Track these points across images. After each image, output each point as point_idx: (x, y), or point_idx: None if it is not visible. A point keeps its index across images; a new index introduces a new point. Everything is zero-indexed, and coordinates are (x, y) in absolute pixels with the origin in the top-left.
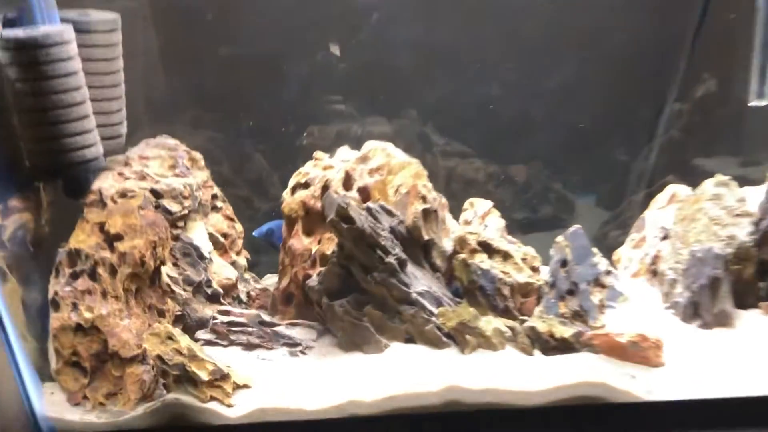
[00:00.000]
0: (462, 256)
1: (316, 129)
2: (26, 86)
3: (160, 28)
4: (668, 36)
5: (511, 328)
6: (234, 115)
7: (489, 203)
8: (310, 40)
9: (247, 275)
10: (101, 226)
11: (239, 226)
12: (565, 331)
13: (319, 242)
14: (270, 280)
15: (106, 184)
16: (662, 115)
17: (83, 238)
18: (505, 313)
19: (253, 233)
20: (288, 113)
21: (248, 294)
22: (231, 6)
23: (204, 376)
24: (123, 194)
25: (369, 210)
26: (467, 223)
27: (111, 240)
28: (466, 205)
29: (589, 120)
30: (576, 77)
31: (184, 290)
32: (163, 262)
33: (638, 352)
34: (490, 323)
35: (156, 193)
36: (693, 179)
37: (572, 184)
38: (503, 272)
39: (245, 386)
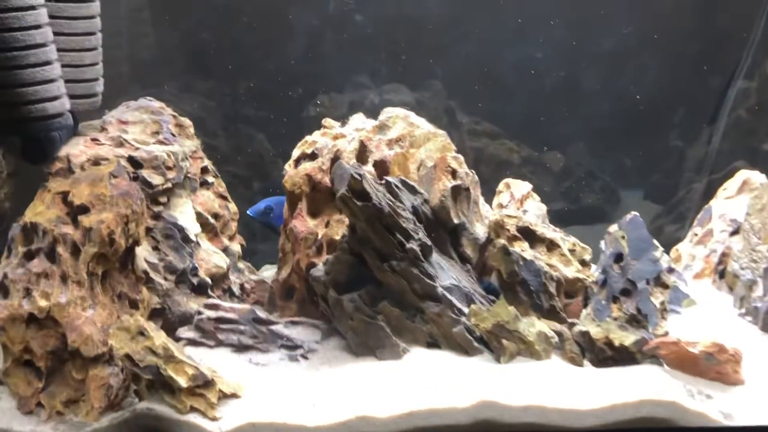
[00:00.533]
0: (501, 241)
1: (327, 98)
2: None
3: None
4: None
5: (558, 333)
6: (229, 77)
7: (527, 185)
8: None
9: (241, 264)
10: (64, 197)
11: (233, 207)
12: (626, 338)
13: (327, 225)
14: (269, 272)
15: (75, 150)
16: (727, 94)
17: (41, 210)
18: (551, 314)
19: (248, 212)
20: (294, 77)
21: (242, 286)
22: None
23: (183, 381)
24: (96, 162)
25: (388, 185)
26: (501, 207)
27: (75, 213)
28: (501, 186)
29: (638, 99)
30: (627, 46)
31: (165, 279)
32: (137, 242)
33: (713, 366)
34: (533, 326)
35: (134, 162)
36: (764, 165)
37: (617, 172)
38: (549, 265)
39: (234, 395)
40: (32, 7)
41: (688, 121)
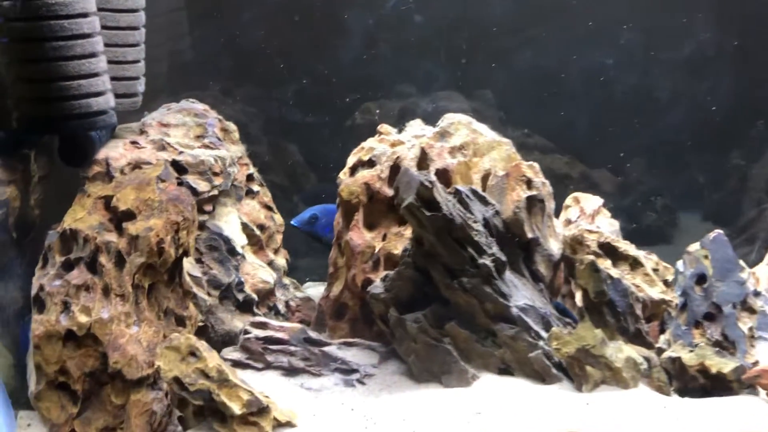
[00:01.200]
0: (590, 257)
1: (375, 105)
2: (16, 7)
3: None
4: None
5: (646, 359)
6: (275, 80)
7: (598, 200)
8: None
9: (286, 280)
10: (107, 202)
11: (279, 218)
12: (725, 365)
13: (384, 238)
14: (312, 290)
15: (115, 153)
16: None
17: (82, 216)
18: (636, 338)
19: (292, 222)
20: (344, 81)
21: (287, 304)
22: None
23: (236, 408)
24: (137, 166)
25: (458, 194)
26: (569, 223)
27: (119, 219)
28: (569, 201)
29: (702, 113)
30: (702, 54)
31: (209, 294)
32: (186, 252)
33: None
34: (621, 351)
35: (179, 167)
36: None
37: (675, 191)
38: (634, 285)
39: (288, 424)
40: None
41: (758, 138)
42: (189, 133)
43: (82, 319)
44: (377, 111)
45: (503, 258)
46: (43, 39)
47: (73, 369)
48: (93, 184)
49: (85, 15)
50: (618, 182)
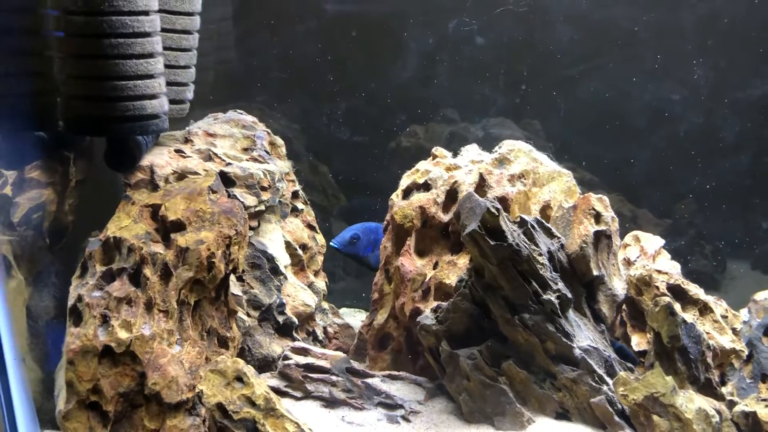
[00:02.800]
0: (666, 299)
1: (421, 128)
2: (78, 2)
3: None
4: None
5: (717, 412)
6: (323, 96)
7: (660, 240)
8: (443, 2)
9: (325, 304)
10: (154, 211)
11: (321, 238)
12: None
13: (436, 266)
14: (348, 316)
15: (160, 160)
16: None
17: (127, 224)
18: (706, 388)
19: (332, 243)
20: (396, 101)
21: (325, 330)
22: None
23: None
24: (182, 176)
25: (523, 224)
26: (629, 263)
27: (167, 230)
28: (629, 239)
29: (758, 161)
30: (764, 99)
31: (248, 315)
32: (236, 269)
33: None
34: (691, 401)
35: (226, 179)
36: None
37: (726, 238)
38: (705, 332)
39: None
40: None
41: None
42: (236, 144)
43: (122, 334)
44: (423, 134)
45: (569, 295)
46: (102, 35)
47: (106, 388)
48: (138, 191)
49: (146, 13)
50: (667, 224)
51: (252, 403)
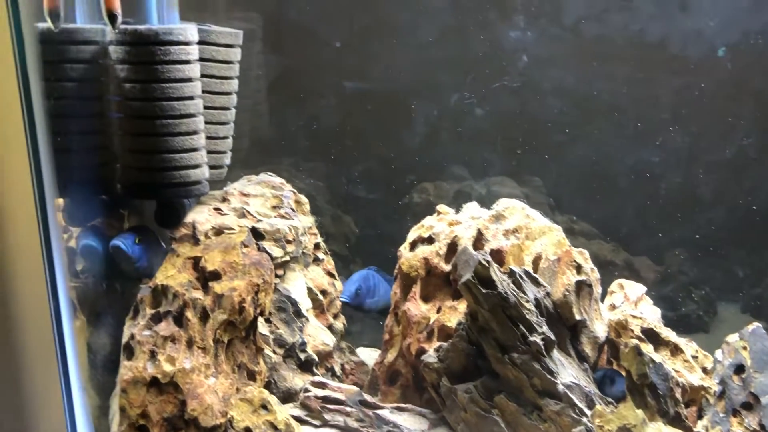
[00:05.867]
0: (634, 341)
1: (431, 186)
2: (136, 88)
3: (277, 51)
4: None
5: None
6: (343, 160)
7: (642, 287)
8: (446, 79)
9: (342, 344)
10: (195, 262)
11: (339, 285)
12: None
13: (439, 310)
14: (364, 355)
15: (201, 217)
16: None
17: (172, 274)
18: (676, 421)
19: (341, 299)
20: (405, 164)
21: (342, 366)
22: (364, 34)
23: None
24: (219, 231)
25: (512, 274)
26: (614, 308)
27: (206, 278)
28: (614, 287)
29: (739, 213)
30: (746, 155)
31: (274, 352)
32: (263, 313)
33: None
34: None
35: (257, 233)
36: None
37: (715, 283)
38: (675, 370)
39: None
40: (189, 80)
41: None
42: (266, 203)
43: (167, 367)
44: (433, 191)
45: (552, 337)
46: (155, 117)
47: (153, 413)
48: (181, 245)
49: (191, 98)
50: (659, 271)
51: (275, 428)
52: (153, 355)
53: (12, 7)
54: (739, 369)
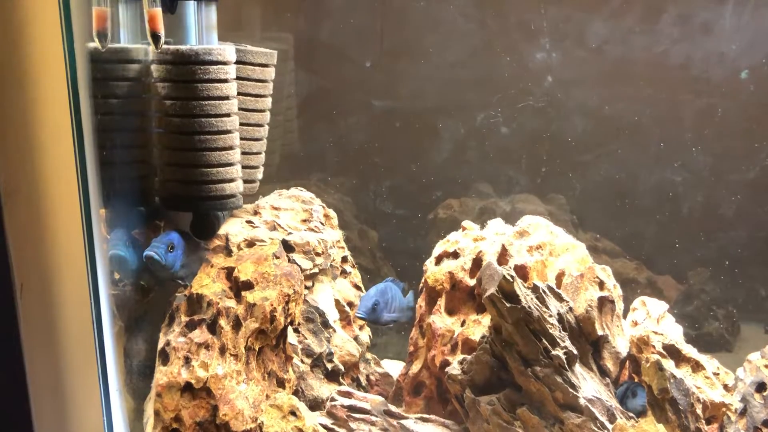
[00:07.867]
0: (655, 356)
1: (456, 202)
2: (175, 105)
3: (308, 71)
4: None
5: None
6: (371, 176)
7: (664, 305)
8: (472, 99)
9: (368, 355)
10: (228, 272)
11: None
12: None
13: (463, 324)
14: (389, 367)
15: (233, 229)
16: None
17: (207, 283)
18: None
19: (358, 314)
20: (432, 180)
21: (368, 377)
22: (393, 54)
23: None
24: (251, 243)
25: (536, 289)
26: (636, 324)
27: (239, 288)
28: (636, 304)
29: (762, 233)
30: (759, 178)
31: (302, 362)
32: (292, 322)
33: None
34: None
35: (287, 246)
36: None
37: (738, 302)
38: (696, 386)
39: None
40: (227, 98)
41: None
42: (297, 216)
43: (201, 373)
44: (458, 207)
45: (574, 351)
46: (193, 133)
47: (186, 417)
48: (216, 255)
49: (228, 115)
50: (682, 290)
51: None
52: (187, 361)
53: (66, 28)
54: (761, 387)
